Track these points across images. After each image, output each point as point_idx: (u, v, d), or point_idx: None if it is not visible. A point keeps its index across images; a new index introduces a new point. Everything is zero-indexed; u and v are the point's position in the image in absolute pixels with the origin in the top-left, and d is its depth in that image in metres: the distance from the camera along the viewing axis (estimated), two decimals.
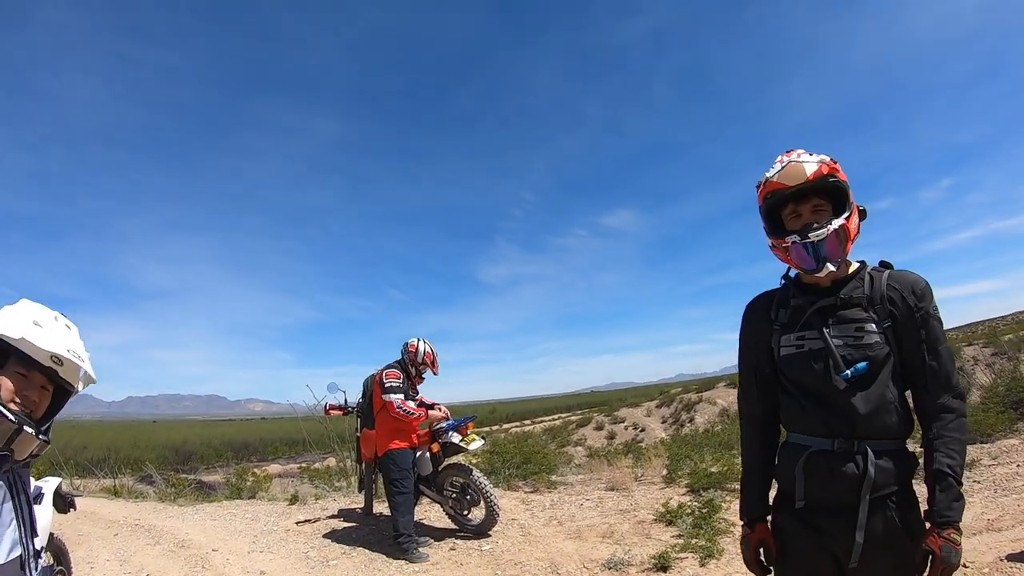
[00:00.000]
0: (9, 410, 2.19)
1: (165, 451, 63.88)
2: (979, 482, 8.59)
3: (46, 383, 2.38)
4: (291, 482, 15.38)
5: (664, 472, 12.16)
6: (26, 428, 2.23)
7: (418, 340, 8.68)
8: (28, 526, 2.35)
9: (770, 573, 2.85)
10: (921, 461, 2.63)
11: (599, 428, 53.44)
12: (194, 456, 67.37)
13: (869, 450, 2.50)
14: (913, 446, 2.66)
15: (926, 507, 2.52)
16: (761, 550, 2.84)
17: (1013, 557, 5.81)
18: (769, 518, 2.87)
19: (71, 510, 5.61)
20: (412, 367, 8.59)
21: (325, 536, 8.78)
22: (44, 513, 5.14)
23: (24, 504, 2.35)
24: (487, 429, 50.26)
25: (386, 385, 8.18)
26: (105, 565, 8.02)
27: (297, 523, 9.54)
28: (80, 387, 2.47)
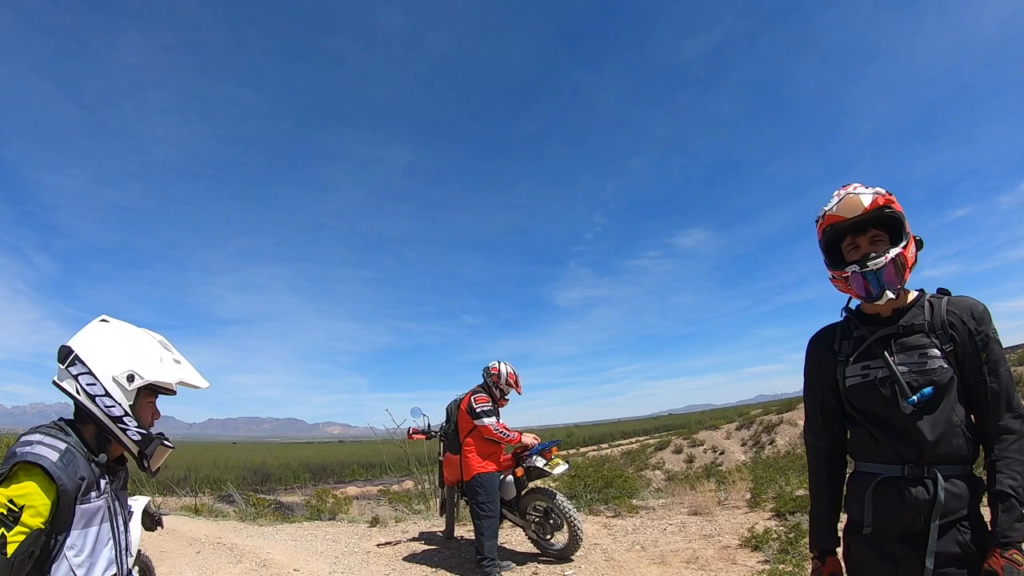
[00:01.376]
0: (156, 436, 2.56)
1: (244, 472, 64.76)
2: None
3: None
4: (370, 504, 15.46)
5: (748, 496, 11.96)
6: (165, 443, 2.58)
7: (499, 362, 8.68)
8: (124, 546, 2.50)
9: None
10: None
11: (678, 451, 53.01)
12: (273, 477, 68.20)
13: (939, 475, 2.52)
14: (979, 472, 2.66)
15: None
16: None
17: None
18: (840, 549, 2.89)
19: (158, 528, 5.68)
20: (496, 389, 8.57)
21: (405, 559, 8.75)
22: (134, 530, 5.21)
23: (122, 524, 2.51)
24: (565, 453, 50.26)
25: (478, 410, 8.19)
26: None
27: (378, 545, 9.54)
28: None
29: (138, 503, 5.50)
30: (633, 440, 79.81)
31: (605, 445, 76.83)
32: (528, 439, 8.58)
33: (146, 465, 2.53)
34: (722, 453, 49.84)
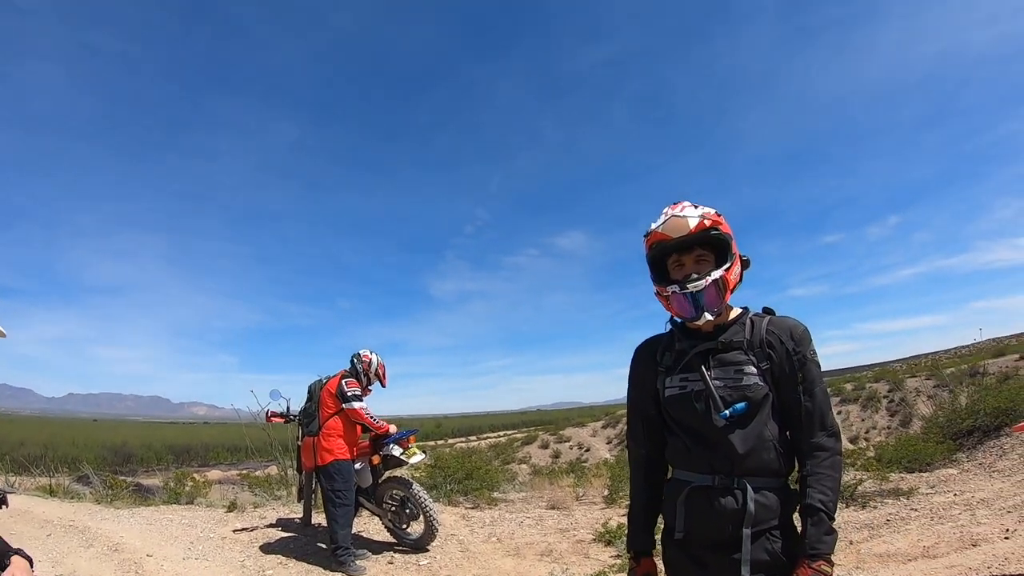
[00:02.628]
0: None
1: (104, 451, 62.68)
2: (916, 510, 8.85)
3: None
4: (231, 489, 15.24)
5: (606, 492, 12.24)
6: None
7: (371, 352, 8.76)
8: None
9: None
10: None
11: (544, 446, 53.57)
12: (134, 458, 66.33)
13: (748, 486, 2.61)
14: (794, 485, 2.75)
15: None
16: None
17: None
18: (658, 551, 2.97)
19: (3, 507, 5.53)
20: (364, 377, 8.63)
21: (262, 546, 8.70)
22: None
23: None
24: (432, 443, 50.20)
25: (349, 394, 8.23)
26: (37, 566, 7.83)
27: (234, 531, 9.46)
28: None
29: None
30: (502, 433, 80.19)
31: (473, 437, 77.03)
32: (393, 429, 8.66)
33: None
34: (588, 450, 50.59)
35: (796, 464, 2.76)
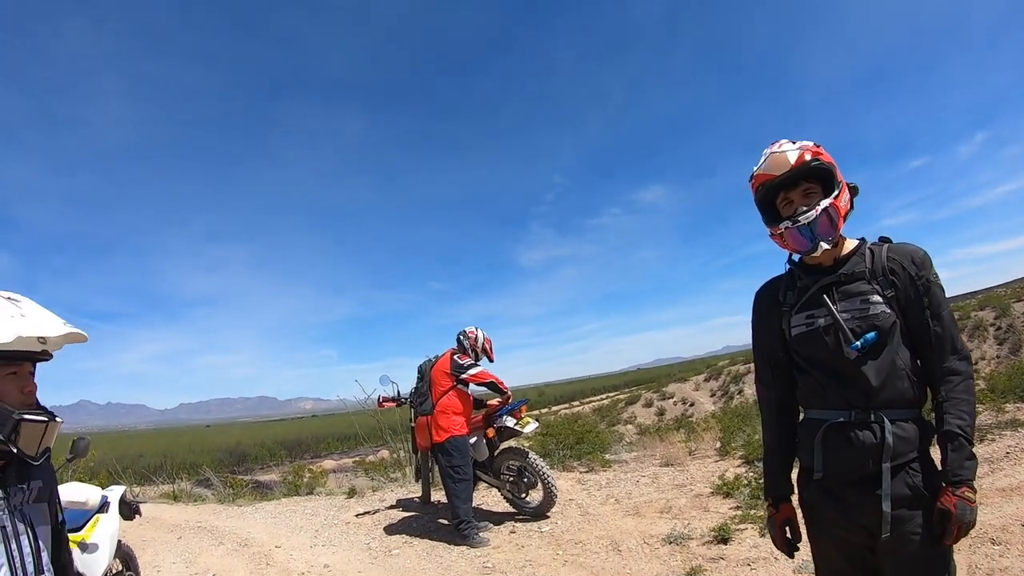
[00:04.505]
0: (32, 412, 2.21)
1: (220, 454, 64.23)
2: None
3: (32, 367, 2.33)
4: (346, 476, 15.45)
5: (718, 445, 12.15)
6: (57, 419, 2.29)
7: (476, 328, 8.81)
8: (23, 570, 2.23)
9: (798, 550, 2.92)
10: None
11: (648, 405, 53.49)
12: (249, 457, 67.90)
13: (885, 419, 2.56)
14: (928, 415, 2.69)
15: None
16: (787, 528, 2.92)
17: None
18: (795, 496, 2.94)
19: (136, 516, 5.70)
20: (472, 352, 8.68)
21: (385, 527, 8.83)
22: (111, 521, 5.24)
23: (23, 544, 2.25)
24: (537, 412, 50.35)
25: (465, 364, 8.35)
26: (172, 568, 8.12)
27: (357, 516, 9.62)
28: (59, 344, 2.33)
29: (114, 493, 5.53)
30: (604, 396, 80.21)
31: (576, 403, 77.16)
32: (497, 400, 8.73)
33: (15, 451, 2.19)
34: (692, 405, 50.34)
35: (929, 393, 2.70)
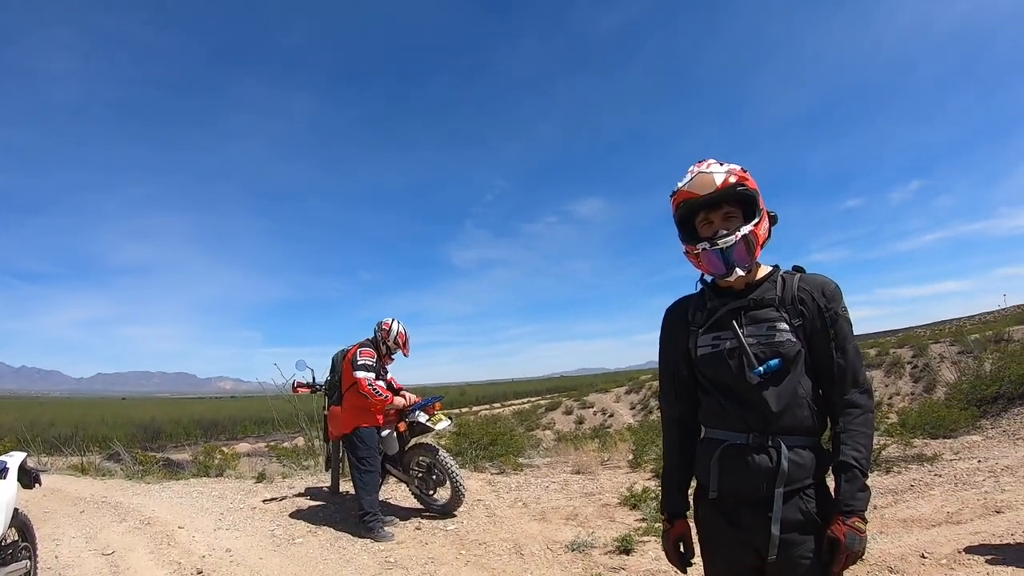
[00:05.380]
0: None
1: (133, 429, 63.03)
2: (940, 476, 8.82)
3: None
4: (259, 461, 15.33)
5: (630, 457, 12.30)
6: None
7: (392, 320, 8.72)
8: None
9: (691, 566, 2.98)
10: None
11: (568, 412, 53.70)
12: (162, 434, 66.86)
13: (783, 444, 2.61)
14: (825, 444, 2.76)
15: None
16: (680, 544, 2.98)
17: (971, 549, 5.98)
18: (691, 512, 2.99)
19: (36, 485, 5.61)
20: (384, 346, 8.64)
21: (291, 515, 8.81)
22: (8, 488, 5.15)
23: None
24: (457, 411, 50.28)
25: (358, 363, 8.19)
26: (71, 542, 7.99)
27: (264, 501, 9.56)
28: None
29: (14, 459, 5.43)
30: (525, 400, 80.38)
31: (498, 405, 77.21)
32: (401, 401, 8.65)
33: None
34: (611, 416, 50.70)
35: (829, 423, 2.77)
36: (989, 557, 5.82)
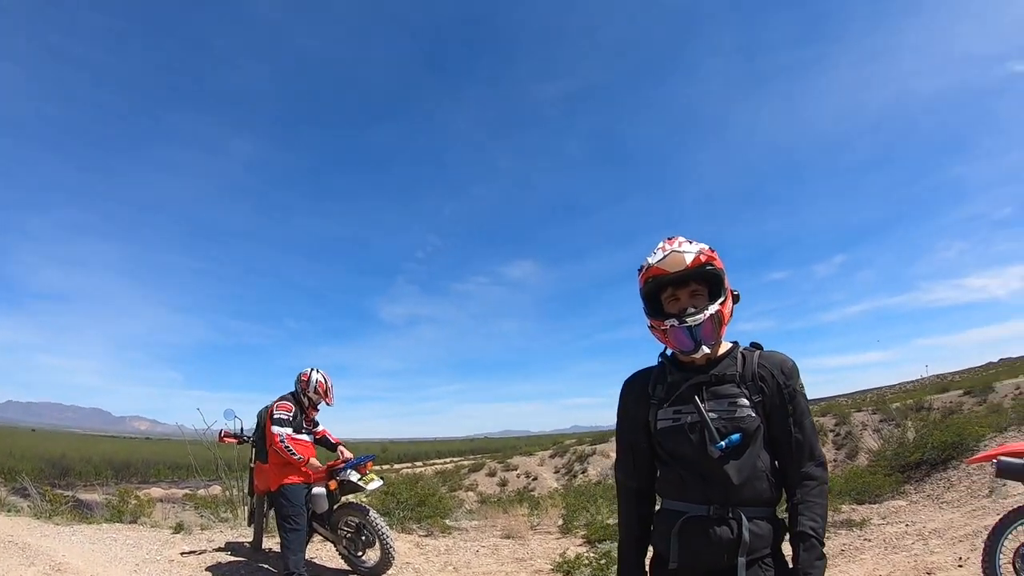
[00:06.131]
0: None
1: (42, 463, 61.10)
2: (870, 540, 9.18)
3: None
4: (174, 508, 14.82)
5: (560, 522, 12.20)
6: None
7: (311, 370, 8.45)
8: None
9: None
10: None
11: (491, 474, 53.74)
12: (72, 471, 65.04)
13: (743, 515, 2.68)
14: (781, 514, 2.86)
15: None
16: None
17: None
18: None
19: None
20: (305, 397, 8.37)
21: (211, 569, 8.47)
22: None
23: None
24: (379, 467, 50.07)
25: (275, 417, 7.98)
26: None
27: (182, 554, 9.17)
28: None
29: None
30: (448, 460, 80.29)
31: (420, 463, 76.84)
32: (316, 464, 8.36)
33: None
34: (535, 479, 50.96)
35: (784, 494, 2.86)
36: None
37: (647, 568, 3.02)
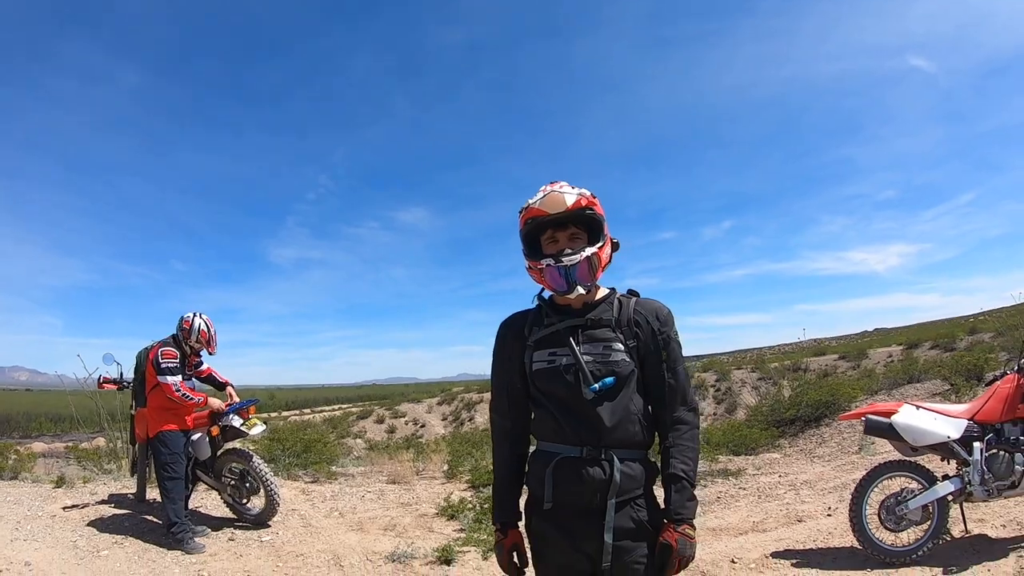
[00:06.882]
0: None
1: None
2: (744, 489, 9.60)
3: None
4: (57, 463, 14.42)
5: (445, 468, 12.38)
6: None
7: (193, 315, 8.11)
8: None
9: (523, 575, 3.05)
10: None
11: (380, 421, 53.52)
12: None
13: (615, 457, 2.72)
14: (654, 456, 2.92)
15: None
16: (514, 553, 3.02)
17: (777, 554, 6.64)
18: (522, 523, 3.07)
19: None
20: (186, 344, 8.09)
21: (95, 524, 8.33)
22: None
23: None
24: (266, 415, 49.30)
25: (162, 365, 7.72)
26: None
27: (64, 508, 8.99)
28: None
29: None
30: (336, 407, 79.68)
31: (308, 410, 76.12)
32: (217, 402, 8.29)
33: None
34: (423, 426, 51.01)
35: (657, 437, 2.93)
36: (794, 561, 6.43)
37: (521, 508, 3.08)
